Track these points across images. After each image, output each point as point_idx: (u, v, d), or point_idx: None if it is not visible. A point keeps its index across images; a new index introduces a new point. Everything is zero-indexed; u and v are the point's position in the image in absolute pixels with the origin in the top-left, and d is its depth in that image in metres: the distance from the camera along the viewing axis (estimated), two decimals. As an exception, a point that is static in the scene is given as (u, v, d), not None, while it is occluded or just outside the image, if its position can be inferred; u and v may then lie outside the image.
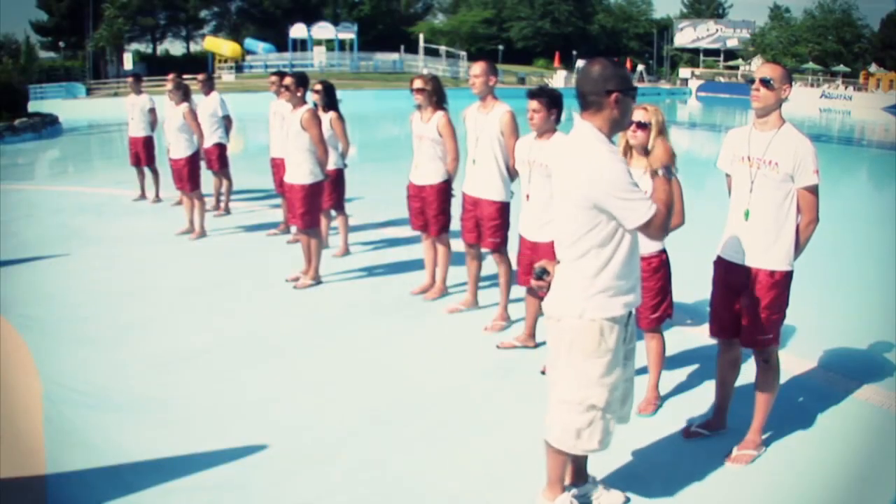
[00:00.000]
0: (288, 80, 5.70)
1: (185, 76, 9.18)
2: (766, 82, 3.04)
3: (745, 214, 3.13)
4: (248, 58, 44.72)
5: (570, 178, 2.45)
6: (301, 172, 5.66)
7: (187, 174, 7.35)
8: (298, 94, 5.65)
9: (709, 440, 3.43)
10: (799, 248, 3.14)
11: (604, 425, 2.59)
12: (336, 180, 6.53)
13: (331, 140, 6.31)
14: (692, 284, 4.77)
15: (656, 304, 3.62)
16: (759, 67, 3.23)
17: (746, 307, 3.15)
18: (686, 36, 65.29)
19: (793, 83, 3.17)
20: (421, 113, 5.20)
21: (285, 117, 5.93)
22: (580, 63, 49.83)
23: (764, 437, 3.46)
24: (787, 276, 3.12)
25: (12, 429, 3.55)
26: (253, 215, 8.50)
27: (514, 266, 4.56)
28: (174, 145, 7.40)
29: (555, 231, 2.63)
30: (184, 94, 7.37)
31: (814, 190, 3.05)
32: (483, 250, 5.05)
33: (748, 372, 4.24)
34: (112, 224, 8.10)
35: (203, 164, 7.94)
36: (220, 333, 4.84)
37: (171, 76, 8.37)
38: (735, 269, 3.17)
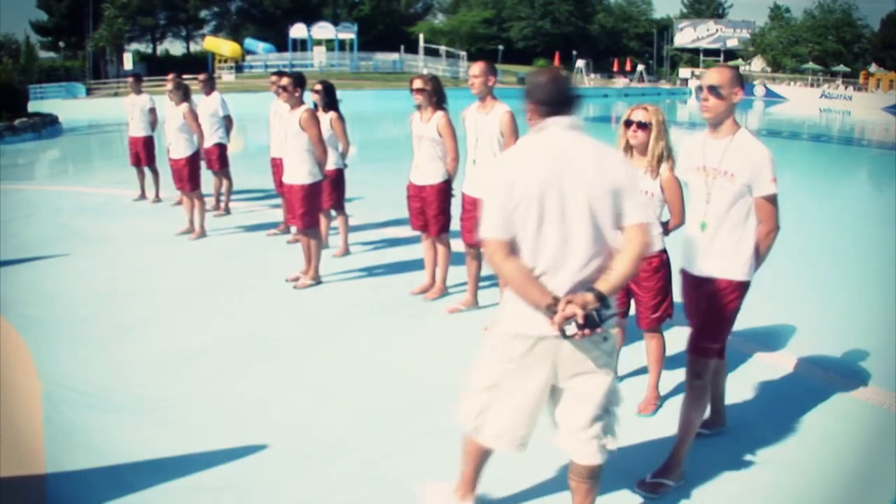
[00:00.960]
0: (285, 81, 5.66)
1: (185, 76, 9.18)
2: (713, 90, 2.89)
3: (701, 226, 3.01)
4: (248, 58, 44.74)
5: (594, 175, 2.30)
6: (300, 173, 5.65)
7: (187, 174, 7.36)
8: (296, 95, 5.63)
9: (708, 440, 3.42)
10: (759, 259, 3.01)
11: None
12: (336, 180, 6.53)
13: (331, 140, 6.32)
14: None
15: (657, 304, 3.62)
16: (706, 73, 3.01)
17: (700, 315, 3.06)
18: (686, 36, 65.35)
19: (744, 85, 3.00)
20: (421, 113, 5.20)
21: (283, 118, 5.91)
22: (580, 63, 49.91)
23: (764, 437, 3.46)
24: (743, 287, 3.00)
25: (12, 429, 3.55)
26: (253, 215, 8.50)
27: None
28: (174, 145, 7.40)
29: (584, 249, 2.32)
30: (184, 94, 7.37)
31: (772, 199, 2.93)
32: (483, 250, 5.04)
33: (744, 370, 4.25)
34: (112, 224, 8.10)
35: (203, 163, 7.94)
36: (220, 333, 4.84)
37: (171, 76, 8.37)
38: (694, 280, 3.08)
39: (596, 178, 2.31)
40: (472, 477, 2.78)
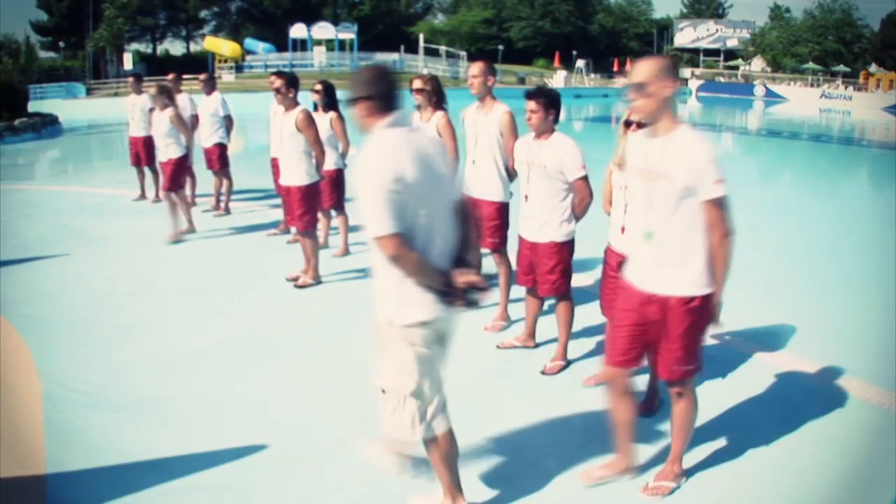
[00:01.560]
0: (278, 83, 5.53)
1: (185, 76, 9.17)
2: (638, 88, 2.64)
3: (646, 235, 2.77)
4: (248, 58, 44.71)
5: (442, 161, 2.60)
6: (297, 174, 5.64)
7: (170, 173, 7.22)
8: (290, 96, 5.55)
9: (709, 440, 3.42)
10: (719, 270, 2.70)
11: None
12: (336, 180, 6.53)
13: (331, 140, 6.32)
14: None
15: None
16: (632, 68, 2.73)
17: (661, 339, 2.82)
18: (686, 36, 65.31)
19: (677, 75, 2.69)
20: (420, 113, 5.20)
21: (279, 119, 5.81)
22: (580, 63, 49.89)
23: (764, 437, 3.46)
24: (706, 300, 2.76)
25: (12, 429, 3.55)
26: (253, 215, 8.50)
27: (514, 266, 4.56)
28: (163, 150, 7.27)
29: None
30: (168, 98, 7.20)
31: (719, 203, 2.62)
32: (483, 251, 5.04)
33: (744, 370, 4.25)
34: (112, 224, 8.10)
35: (203, 164, 7.92)
36: (220, 333, 4.84)
37: (170, 76, 8.36)
38: (644, 297, 2.81)
39: (445, 165, 2.58)
40: (452, 480, 2.77)
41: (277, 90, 5.55)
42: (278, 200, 7.89)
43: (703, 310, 2.76)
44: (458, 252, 2.57)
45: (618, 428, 3.04)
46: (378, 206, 2.36)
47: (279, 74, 5.78)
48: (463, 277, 2.48)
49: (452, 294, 2.47)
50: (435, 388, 2.60)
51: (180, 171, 7.32)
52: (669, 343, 2.81)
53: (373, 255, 2.51)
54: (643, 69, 2.65)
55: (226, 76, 38.88)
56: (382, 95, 2.48)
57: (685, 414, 2.98)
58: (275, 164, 7.33)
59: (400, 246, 2.39)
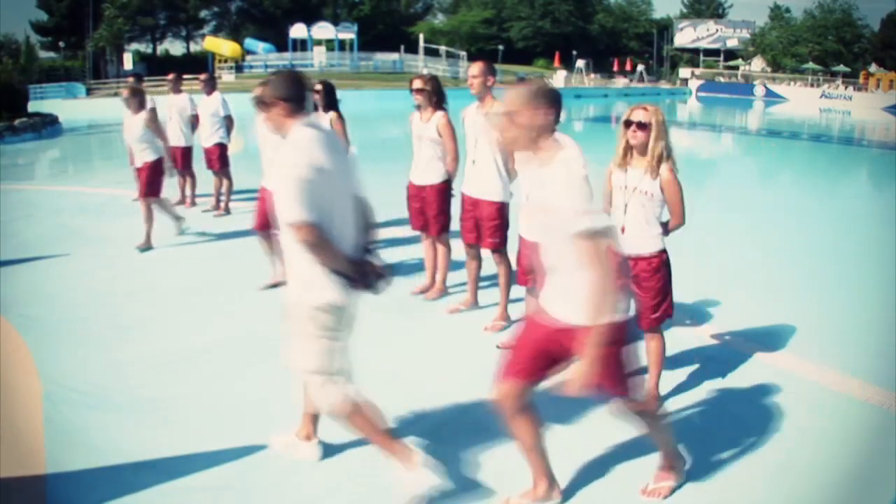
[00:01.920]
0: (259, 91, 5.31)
1: (185, 76, 9.14)
2: (507, 117, 2.52)
3: (550, 268, 2.63)
4: (248, 58, 44.74)
5: (347, 157, 2.90)
6: None
7: (146, 178, 6.93)
8: None
9: (709, 441, 3.42)
10: (592, 313, 2.42)
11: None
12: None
13: (331, 140, 6.29)
14: (692, 284, 4.78)
15: (656, 305, 3.61)
16: (504, 96, 2.60)
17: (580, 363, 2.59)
18: (686, 36, 65.33)
19: (551, 102, 2.54)
20: (420, 113, 5.20)
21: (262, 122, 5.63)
22: (580, 63, 49.95)
23: (764, 437, 3.47)
24: (615, 330, 2.50)
25: (12, 429, 3.55)
26: (253, 215, 8.48)
27: (514, 266, 4.57)
28: (137, 154, 7.00)
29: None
30: (140, 102, 6.94)
31: (587, 236, 2.37)
32: (483, 251, 5.05)
33: (744, 370, 4.24)
34: (112, 224, 8.10)
35: (201, 164, 7.90)
36: (220, 333, 4.84)
37: (170, 76, 8.33)
38: (557, 328, 2.63)
39: (348, 161, 2.82)
40: (390, 440, 2.95)
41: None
42: (278, 200, 7.87)
43: (617, 337, 2.55)
44: (360, 241, 2.84)
45: (525, 454, 2.87)
46: (295, 195, 2.55)
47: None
48: (371, 267, 2.82)
49: (358, 280, 2.74)
50: (345, 360, 2.86)
51: (156, 176, 7.00)
52: (606, 371, 2.55)
53: (285, 241, 2.71)
54: (511, 98, 2.52)
55: (226, 76, 38.88)
56: (297, 98, 2.72)
57: (655, 429, 2.95)
58: (274, 165, 7.28)
59: (315, 233, 2.59)
